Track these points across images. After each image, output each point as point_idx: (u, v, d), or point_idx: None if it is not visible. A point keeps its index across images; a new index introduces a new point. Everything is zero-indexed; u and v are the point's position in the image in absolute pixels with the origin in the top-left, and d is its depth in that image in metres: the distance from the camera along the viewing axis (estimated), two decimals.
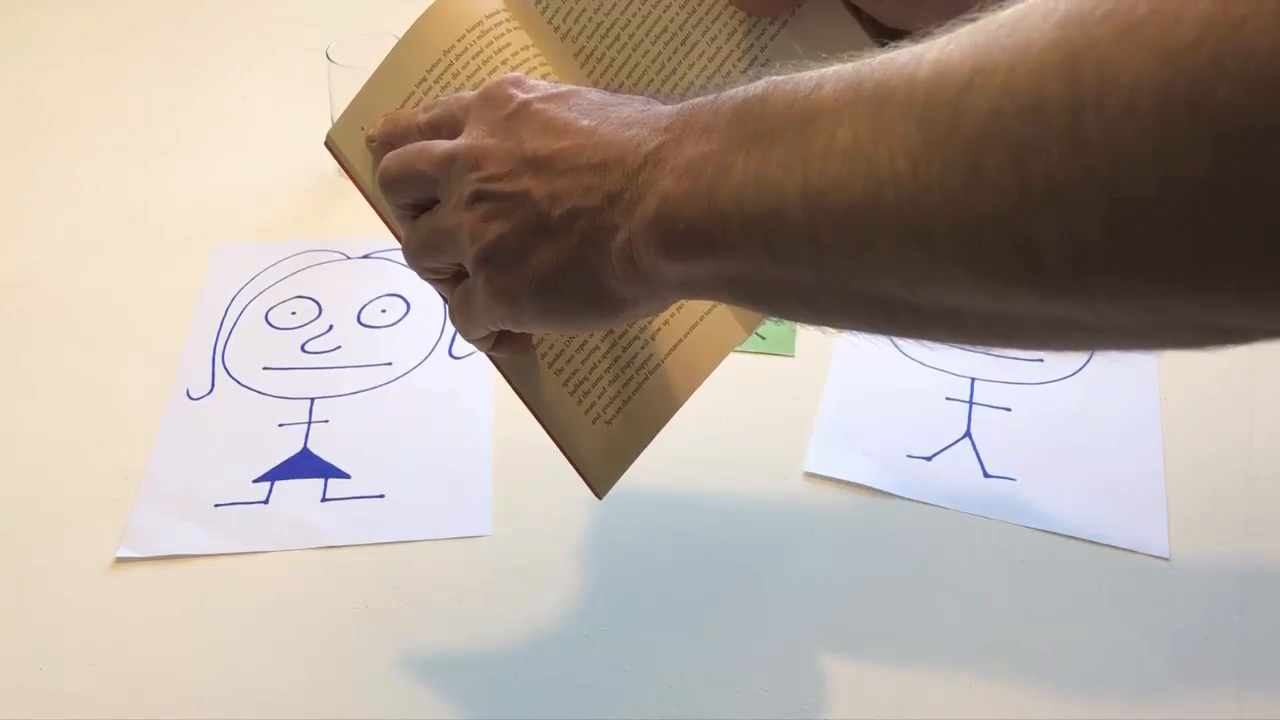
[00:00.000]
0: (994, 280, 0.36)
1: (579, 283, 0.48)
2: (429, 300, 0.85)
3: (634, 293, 0.48)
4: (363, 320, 0.84)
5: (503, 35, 0.58)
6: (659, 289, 0.47)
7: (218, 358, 0.81)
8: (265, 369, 0.80)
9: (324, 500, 0.71)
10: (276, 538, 0.69)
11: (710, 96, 0.45)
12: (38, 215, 0.94)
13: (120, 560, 0.68)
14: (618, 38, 0.58)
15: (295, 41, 1.12)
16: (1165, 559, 0.67)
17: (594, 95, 0.50)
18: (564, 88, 0.51)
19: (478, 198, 0.50)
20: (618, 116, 0.48)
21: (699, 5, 0.57)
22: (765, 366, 0.79)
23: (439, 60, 0.57)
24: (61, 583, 0.67)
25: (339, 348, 0.82)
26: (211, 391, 0.78)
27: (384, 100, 0.58)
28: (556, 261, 0.48)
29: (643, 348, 0.57)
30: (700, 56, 0.57)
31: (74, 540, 0.69)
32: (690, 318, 0.57)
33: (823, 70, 0.41)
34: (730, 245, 0.43)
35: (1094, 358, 0.79)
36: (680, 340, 0.57)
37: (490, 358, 0.59)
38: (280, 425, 0.76)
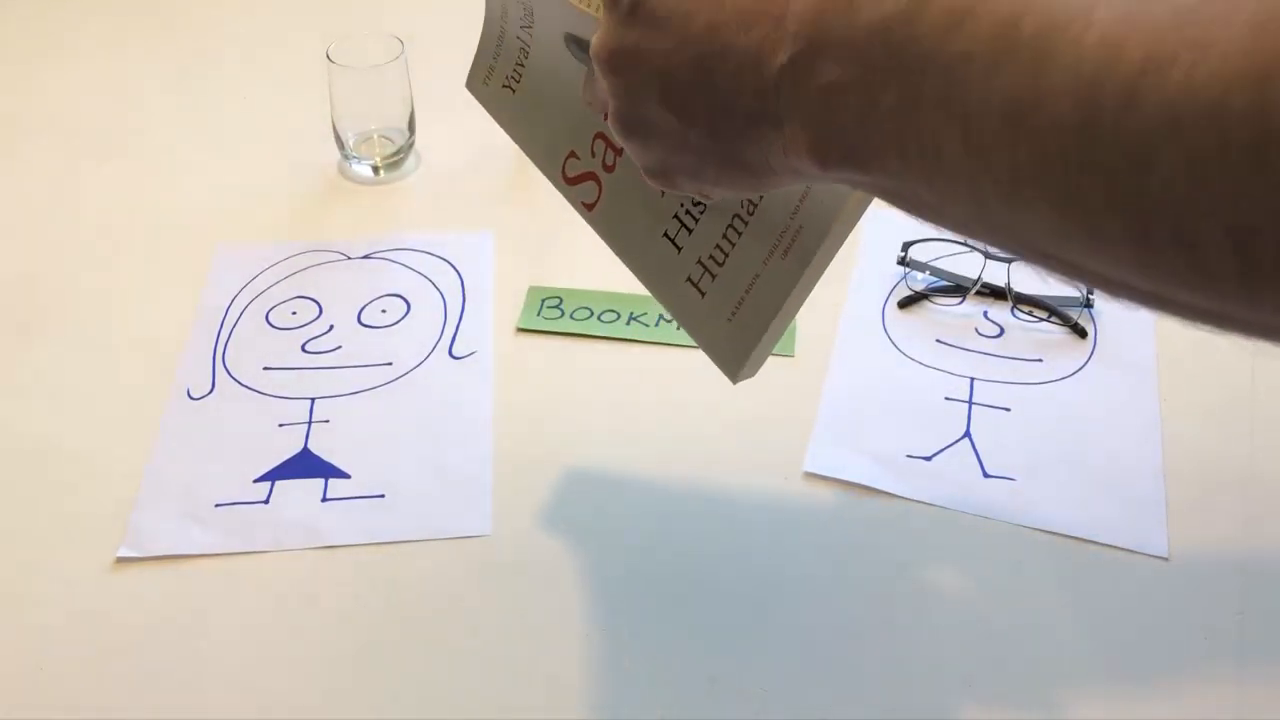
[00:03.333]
0: (1157, 269, 0.35)
1: (735, 172, 0.48)
2: (429, 300, 0.85)
3: (782, 181, 0.47)
4: (363, 320, 0.84)
5: None
6: (808, 179, 0.46)
7: (218, 357, 0.81)
8: (265, 369, 0.80)
9: (324, 500, 0.71)
10: (276, 538, 0.69)
11: (838, 9, 0.41)
12: (38, 215, 0.95)
13: (120, 560, 0.68)
14: None
15: (295, 41, 1.12)
16: (1165, 559, 0.67)
17: None
18: None
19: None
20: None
21: None
22: (765, 366, 0.79)
23: None
24: (61, 583, 0.67)
25: (339, 348, 0.82)
26: (212, 391, 0.78)
27: None
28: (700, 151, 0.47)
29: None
30: None
31: (74, 540, 0.69)
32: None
33: (967, 6, 0.38)
34: (886, 171, 0.41)
35: (1094, 358, 0.79)
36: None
37: (629, 265, 0.60)
38: (280, 425, 0.76)
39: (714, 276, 0.58)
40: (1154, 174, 0.33)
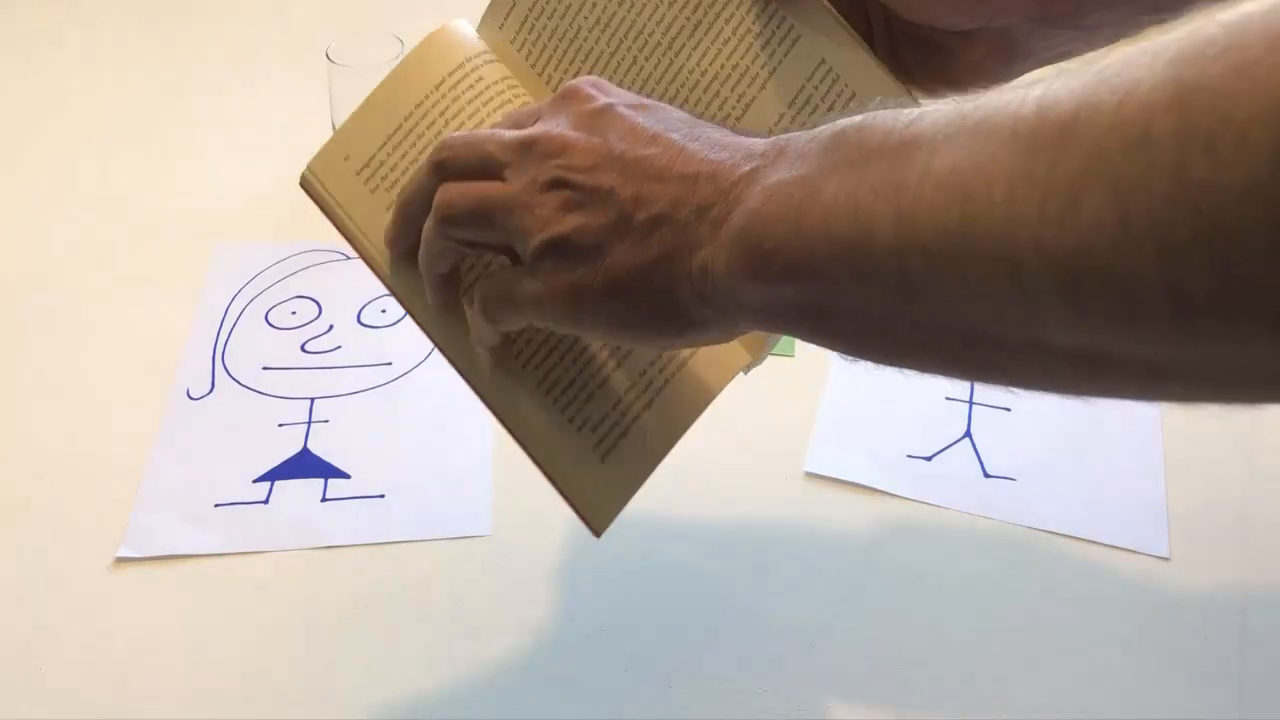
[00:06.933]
0: (1088, 316, 0.35)
1: (651, 294, 0.46)
2: None
3: (705, 315, 0.46)
4: (363, 320, 0.84)
5: (490, 73, 0.58)
6: (731, 313, 0.46)
7: (218, 358, 0.81)
8: (265, 369, 0.80)
9: (324, 500, 0.71)
10: (276, 538, 0.69)
11: (807, 132, 0.44)
12: (38, 215, 0.94)
13: (120, 560, 0.68)
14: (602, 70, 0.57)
15: (295, 41, 1.12)
16: (1165, 559, 0.67)
17: (679, 113, 0.49)
18: (649, 100, 0.50)
19: (557, 184, 0.47)
20: (708, 138, 0.47)
21: (672, 40, 0.56)
22: (765, 366, 0.78)
23: (428, 95, 0.57)
24: (61, 583, 0.67)
25: (339, 348, 0.82)
26: (211, 391, 0.78)
27: (370, 134, 0.57)
28: (632, 267, 0.46)
29: (643, 373, 0.56)
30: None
31: (74, 540, 0.69)
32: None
33: (923, 108, 0.41)
34: (815, 268, 0.42)
35: None
36: (684, 364, 0.56)
37: (475, 389, 0.56)
38: (280, 425, 0.76)
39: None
40: (1084, 213, 0.33)
